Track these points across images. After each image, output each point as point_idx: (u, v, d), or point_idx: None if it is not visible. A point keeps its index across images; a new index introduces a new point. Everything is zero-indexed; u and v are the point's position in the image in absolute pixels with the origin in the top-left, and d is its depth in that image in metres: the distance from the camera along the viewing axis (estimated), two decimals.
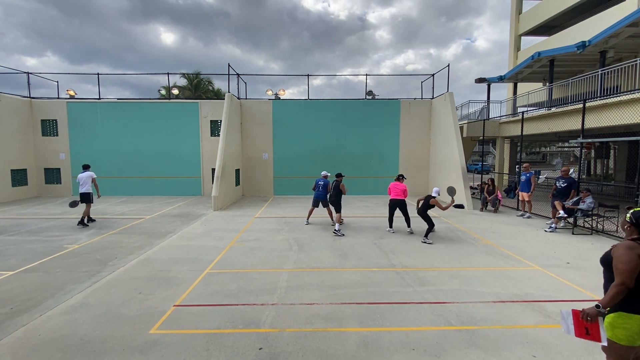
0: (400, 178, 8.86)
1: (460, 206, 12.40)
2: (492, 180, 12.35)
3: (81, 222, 9.33)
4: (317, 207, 9.57)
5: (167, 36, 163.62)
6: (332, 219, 9.18)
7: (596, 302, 2.39)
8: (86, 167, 9.84)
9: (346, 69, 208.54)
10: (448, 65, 14.64)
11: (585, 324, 2.41)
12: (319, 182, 9.45)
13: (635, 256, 2.33)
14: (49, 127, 15.52)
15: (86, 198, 9.50)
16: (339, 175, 9.36)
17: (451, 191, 8.48)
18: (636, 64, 10.16)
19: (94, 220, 9.90)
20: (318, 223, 9.77)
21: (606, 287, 2.55)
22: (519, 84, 20.00)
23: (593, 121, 10.30)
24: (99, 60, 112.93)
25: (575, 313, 2.46)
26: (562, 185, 9.11)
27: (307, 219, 9.67)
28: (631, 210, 2.52)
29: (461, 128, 16.49)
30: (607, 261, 2.52)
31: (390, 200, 8.72)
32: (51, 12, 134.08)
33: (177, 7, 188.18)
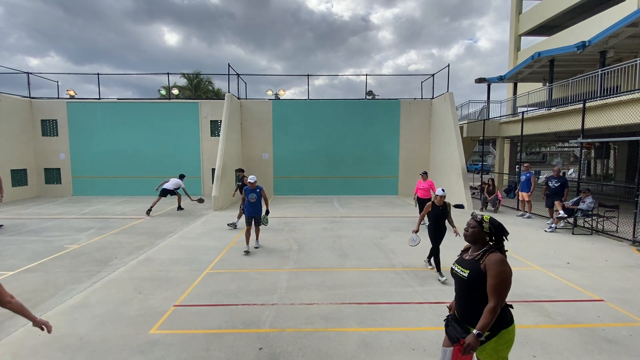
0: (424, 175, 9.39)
1: (460, 206, 12.42)
2: (492, 180, 12.35)
3: (180, 208, 11.71)
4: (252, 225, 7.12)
5: (171, 36, 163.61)
6: (257, 239, 7.31)
7: (476, 331, 2.16)
8: (182, 177, 11.77)
9: (348, 69, 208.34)
10: (448, 65, 14.65)
11: (463, 358, 2.21)
12: (251, 195, 6.98)
13: (510, 270, 2.21)
14: (49, 127, 15.51)
15: (168, 193, 11.26)
16: (241, 170, 10.02)
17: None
18: (636, 64, 10.15)
19: (183, 209, 11.84)
20: (318, 223, 9.77)
21: (463, 304, 2.35)
22: (519, 84, 19.99)
23: (593, 121, 10.29)
24: (102, 61, 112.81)
25: (456, 350, 2.24)
26: (556, 185, 9.20)
27: (247, 243, 6.98)
28: (486, 218, 2.37)
29: (461, 128, 16.47)
30: (478, 277, 2.24)
31: (419, 198, 9.21)
32: (55, 13, 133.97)
33: (181, 7, 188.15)
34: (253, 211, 7.04)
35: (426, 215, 5.68)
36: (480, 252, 2.33)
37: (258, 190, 7.04)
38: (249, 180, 6.96)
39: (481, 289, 2.23)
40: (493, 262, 2.20)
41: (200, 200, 11.76)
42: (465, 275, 2.31)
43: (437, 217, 5.54)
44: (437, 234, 5.55)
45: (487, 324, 2.14)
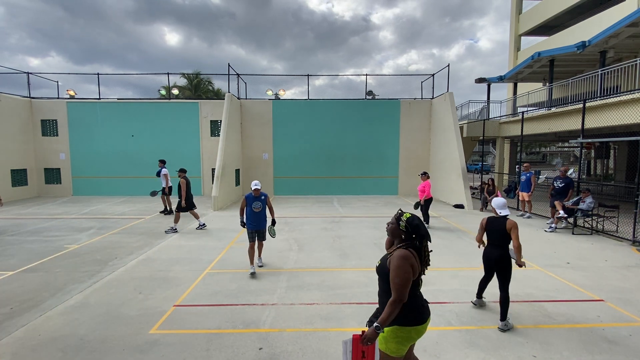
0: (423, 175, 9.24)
1: (460, 206, 12.43)
2: (492, 180, 12.36)
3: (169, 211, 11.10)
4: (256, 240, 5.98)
5: (172, 36, 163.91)
6: (260, 256, 6.22)
7: (375, 324, 2.22)
8: (163, 163, 11.17)
9: (349, 69, 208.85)
10: (448, 65, 14.66)
11: (363, 348, 2.25)
12: (256, 203, 5.80)
13: (410, 267, 2.22)
14: (49, 127, 15.51)
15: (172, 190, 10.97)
16: (182, 171, 9.07)
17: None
18: (636, 64, 10.15)
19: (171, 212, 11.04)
20: (318, 223, 9.77)
21: (381, 296, 2.44)
22: (519, 84, 20.00)
23: (593, 121, 10.29)
24: (103, 61, 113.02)
25: (355, 339, 2.28)
26: (560, 185, 9.20)
27: (252, 262, 5.85)
28: (405, 217, 2.37)
29: (461, 128, 16.48)
30: (383, 271, 2.35)
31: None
32: (56, 13, 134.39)
33: (182, 8, 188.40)
34: (258, 223, 5.88)
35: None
36: (393, 248, 2.41)
37: (263, 197, 5.89)
38: (253, 187, 5.79)
39: (386, 281, 2.31)
40: (393, 257, 2.27)
41: (153, 194, 10.78)
42: (377, 267, 2.45)
43: (493, 234, 4.05)
44: (494, 264, 4.05)
45: (386, 317, 2.19)
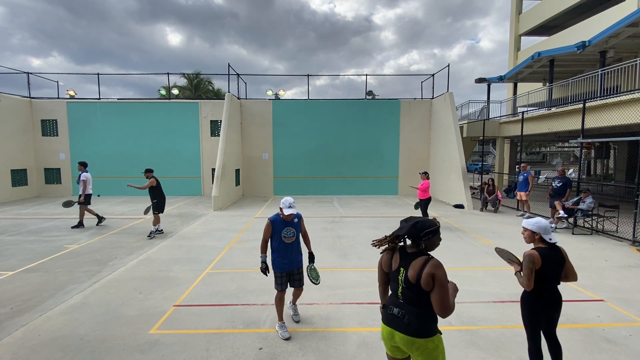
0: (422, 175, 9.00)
1: (460, 206, 12.43)
2: (492, 180, 12.36)
3: (79, 225, 9.13)
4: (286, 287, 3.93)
5: (174, 36, 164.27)
6: (294, 302, 4.23)
7: None
8: (83, 165, 9.30)
9: (350, 69, 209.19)
10: (448, 65, 14.66)
11: None
12: (287, 231, 3.80)
13: (380, 259, 2.32)
14: (49, 127, 15.52)
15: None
16: (149, 171, 8.37)
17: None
18: (636, 64, 10.16)
19: (82, 226, 9.23)
20: (318, 223, 9.77)
21: None
22: (519, 84, 20.00)
23: (593, 121, 10.30)
24: (104, 61, 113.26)
25: None
26: (558, 185, 9.29)
27: (281, 318, 3.87)
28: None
29: (461, 128, 16.48)
30: None
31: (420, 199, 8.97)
32: (59, 13, 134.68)
33: (185, 8, 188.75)
34: (291, 260, 3.86)
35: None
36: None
37: (297, 220, 3.87)
38: (287, 211, 3.67)
39: None
40: None
41: (69, 204, 9.14)
42: None
43: (552, 270, 2.98)
44: (557, 309, 3.00)
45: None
